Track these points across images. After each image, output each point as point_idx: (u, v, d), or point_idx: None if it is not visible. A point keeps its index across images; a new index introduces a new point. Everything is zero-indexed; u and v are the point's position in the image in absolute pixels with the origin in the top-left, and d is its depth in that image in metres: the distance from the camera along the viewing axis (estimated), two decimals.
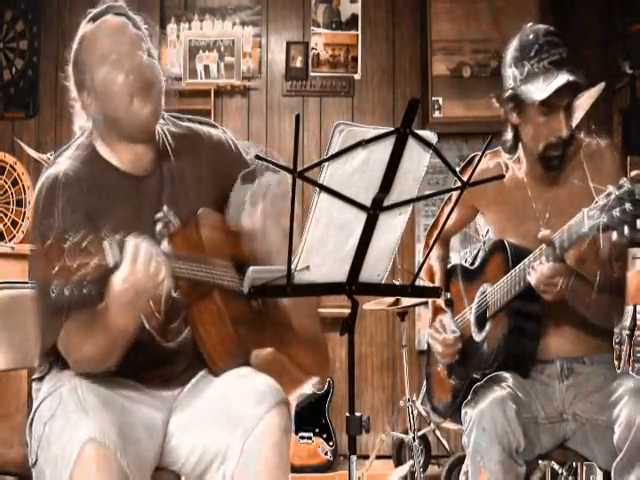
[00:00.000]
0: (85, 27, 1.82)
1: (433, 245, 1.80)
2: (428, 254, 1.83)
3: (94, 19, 1.82)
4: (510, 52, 2.18)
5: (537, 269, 2.01)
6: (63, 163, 1.82)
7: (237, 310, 1.83)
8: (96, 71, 1.78)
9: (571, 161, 2.20)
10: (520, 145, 2.24)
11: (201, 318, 1.83)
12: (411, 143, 1.47)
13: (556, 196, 2.20)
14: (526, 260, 2.05)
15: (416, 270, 1.70)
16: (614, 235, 1.82)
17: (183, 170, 1.92)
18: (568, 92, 2.08)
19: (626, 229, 1.78)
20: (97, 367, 1.75)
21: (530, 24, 2.19)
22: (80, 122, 1.87)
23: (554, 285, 2.01)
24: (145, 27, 1.87)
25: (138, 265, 1.56)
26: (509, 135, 2.25)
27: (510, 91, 2.16)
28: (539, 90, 2.07)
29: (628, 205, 1.77)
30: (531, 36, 2.13)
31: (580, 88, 2.10)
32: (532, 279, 2.02)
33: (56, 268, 1.47)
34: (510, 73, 2.17)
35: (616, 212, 1.79)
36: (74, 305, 1.65)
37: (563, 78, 2.05)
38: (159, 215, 1.86)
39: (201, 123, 2.04)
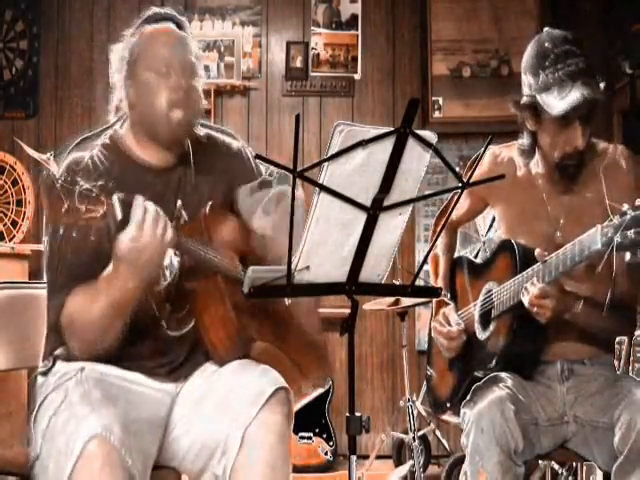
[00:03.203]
0: (147, 25, 1.91)
1: (440, 232, 1.79)
2: (434, 242, 1.83)
3: (150, 20, 1.92)
4: (526, 58, 2.14)
5: (528, 289, 2.01)
6: (90, 148, 1.90)
7: (239, 297, 1.83)
8: (145, 73, 1.86)
9: (589, 169, 2.18)
10: (537, 150, 2.22)
11: (203, 301, 1.85)
12: (411, 143, 1.47)
13: (571, 202, 2.19)
14: (535, 267, 2.04)
15: (416, 270, 1.71)
16: (627, 255, 1.81)
17: (199, 172, 1.98)
18: (584, 104, 2.03)
19: None
20: (99, 340, 1.77)
21: (547, 29, 2.15)
22: (117, 102, 1.95)
23: (543, 307, 2.00)
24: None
25: (146, 225, 1.62)
26: (526, 140, 2.22)
27: (526, 98, 2.13)
28: (553, 103, 2.04)
29: None
30: (547, 44, 2.08)
31: (597, 100, 2.05)
32: (524, 300, 2.02)
33: (65, 207, 1.51)
34: (526, 80, 2.14)
35: (631, 233, 1.77)
36: (83, 267, 1.71)
37: (577, 93, 2.01)
38: (174, 209, 1.90)
39: (222, 132, 2.13)
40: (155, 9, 1.95)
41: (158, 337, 1.88)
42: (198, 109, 1.92)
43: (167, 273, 1.87)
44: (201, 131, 2.06)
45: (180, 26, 1.94)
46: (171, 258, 1.87)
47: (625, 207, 1.81)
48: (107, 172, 1.85)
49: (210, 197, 1.95)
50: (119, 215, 1.59)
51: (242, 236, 1.95)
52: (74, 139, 1.96)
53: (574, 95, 2.02)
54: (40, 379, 1.88)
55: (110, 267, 1.69)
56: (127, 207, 1.61)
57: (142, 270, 1.68)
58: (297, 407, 1.95)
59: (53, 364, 1.87)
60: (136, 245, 1.62)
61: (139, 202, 1.62)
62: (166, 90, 1.85)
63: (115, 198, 1.59)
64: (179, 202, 1.92)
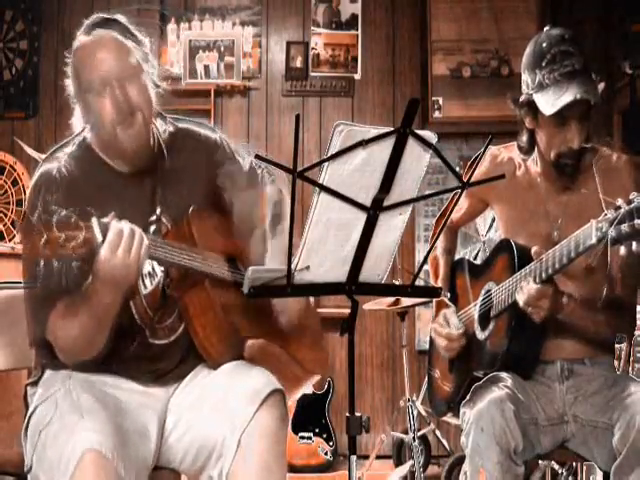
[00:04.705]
0: (80, 39, 1.80)
1: (439, 233, 1.79)
2: (434, 243, 1.83)
3: (88, 31, 1.80)
4: (525, 57, 2.15)
5: (524, 289, 2.01)
6: (59, 159, 1.85)
7: (228, 299, 1.83)
8: (85, 93, 1.78)
9: (587, 170, 2.17)
10: (535, 147, 2.22)
11: (193, 308, 1.84)
12: (411, 143, 1.47)
13: (570, 201, 2.19)
14: (532, 265, 2.04)
15: (416, 270, 1.70)
16: (622, 249, 1.80)
17: (177, 169, 1.93)
18: (579, 104, 2.04)
19: (634, 244, 1.77)
20: (85, 352, 1.76)
21: (547, 28, 2.15)
22: (77, 119, 1.87)
23: (539, 307, 2.00)
24: (141, 31, 1.85)
25: (120, 247, 1.59)
26: (524, 137, 2.22)
27: (524, 96, 2.14)
28: (548, 103, 2.05)
29: (638, 221, 1.75)
30: (544, 44, 2.09)
31: (592, 101, 2.05)
32: (520, 299, 2.02)
33: (44, 239, 1.49)
34: (524, 78, 2.15)
35: (625, 227, 1.77)
36: (63, 286, 1.69)
37: (572, 94, 2.01)
38: (152, 217, 1.87)
39: (199, 125, 2.05)
40: (99, 15, 1.83)
41: (143, 346, 1.86)
42: (147, 116, 1.80)
43: (147, 282, 1.85)
44: (173, 126, 1.97)
45: (125, 30, 1.82)
46: (153, 266, 1.84)
47: (619, 201, 1.81)
48: (77, 182, 1.80)
49: (191, 197, 1.91)
50: (99, 238, 1.57)
51: (229, 235, 1.92)
52: (53, 147, 1.91)
53: (568, 96, 2.02)
54: (30, 389, 1.87)
55: (88, 284, 1.67)
56: (106, 228, 1.59)
57: (118, 286, 1.66)
58: (295, 406, 1.94)
59: (42, 374, 1.86)
60: (110, 265, 1.60)
61: (114, 227, 1.59)
62: (107, 109, 1.75)
63: (94, 220, 1.56)
64: (158, 209, 1.88)
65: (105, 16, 1.84)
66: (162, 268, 1.86)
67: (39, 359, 1.88)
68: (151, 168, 1.89)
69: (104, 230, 1.58)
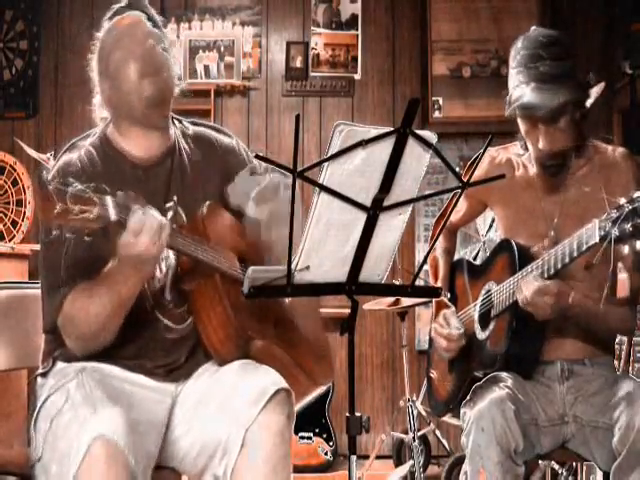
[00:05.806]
0: (108, 20, 1.93)
1: (439, 234, 1.79)
2: (433, 244, 1.82)
3: (118, 13, 1.93)
4: (510, 54, 2.15)
5: (522, 288, 2.00)
6: (79, 148, 1.91)
7: (237, 297, 1.83)
8: (111, 56, 1.87)
9: (582, 168, 2.17)
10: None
11: (202, 301, 1.85)
12: (411, 143, 1.47)
13: (565, 200, 2.18)
14: (533, 264, 2.04)
15: (416, 270, 1.70)
16: (625, 249, 1.80)
17: (193, 167, 1.98)
18: (537, 109, 2.01)
19: (638, 243, 1.77)
20: (98, 338, 1.77)
21: (534, 27, 2.14)
22: (101, 113, 1.96)
23: (537, 305, 1.99)
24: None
25: (145, 235, 1.63)
26: (520, 135, 2.22)
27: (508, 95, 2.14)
28: (506, 104, 2.06)
29: None
30: (520, 43, 2.08)
31: (578, 102, 2.03)
32: (519, 297, 2.02)
33: (57, 208, 1.51)
34: (509, 77, 2.15)
35: (628, 226, 1.77)
36: (77, 265, 1.72)
37: (529, 97, 2.00)
38: (169, 205, 1.90)
39: (214, 129, 2.11)
40: (123, 2, 1.96)
41: (157, 336, 1.88)
42: (170, 79, 1.91)
43: (163, 265, 1.87)
44: (189, 129, 2.05)
45: (149, 18, 1.94)
46: (168, 250, 1.86)
47: (622, 200, 1.81)
48: (97, 171, 1.86)
49: (206, 194, 1.95)
50: (113, 216, 1.59)
51: (240, 235, 1.95)
52: (72, 139, 1.97)
53: (525, 99, 2.01)
54: (40, 380, 1.88)
55: (112, 264, 1.70)
56: (121, 208, 1.61)
57: (142, 268, 1.71)
58: (299, 407, 1.95)
59: (53, 365, 1.87)
60: (136, 248, 1.63)
61: (138, 213, 1.63)
62: (134, 61, 1.85)
63: (109, 198, 1.59)
64: (174, 202, 1.91)
65: (140, 3, 1.95)
66: (175, 255, 1.88)
67: (51, 351, 1.89)
68: (168, 162, 1.94)
69: (120, 209, 1.60)
